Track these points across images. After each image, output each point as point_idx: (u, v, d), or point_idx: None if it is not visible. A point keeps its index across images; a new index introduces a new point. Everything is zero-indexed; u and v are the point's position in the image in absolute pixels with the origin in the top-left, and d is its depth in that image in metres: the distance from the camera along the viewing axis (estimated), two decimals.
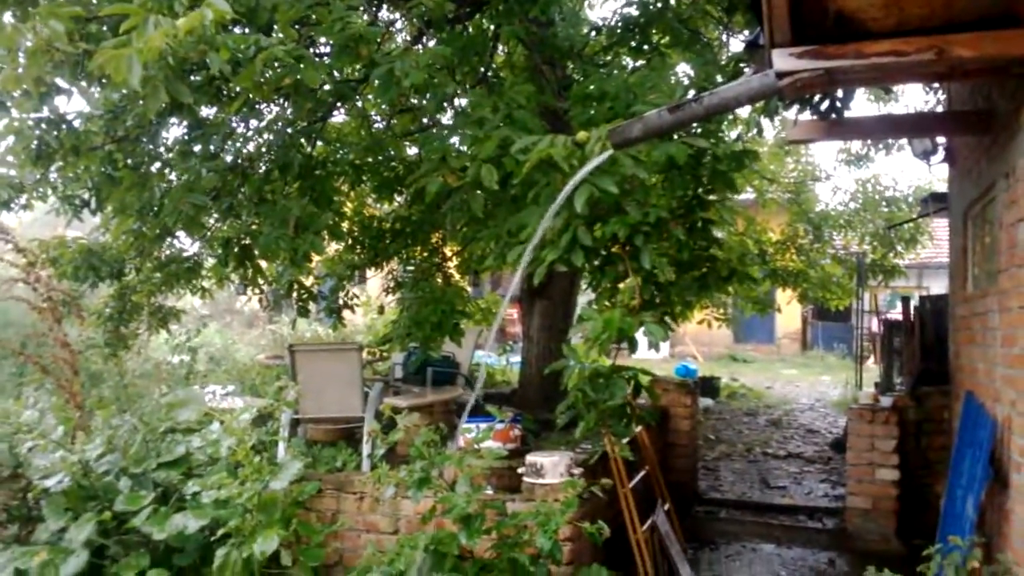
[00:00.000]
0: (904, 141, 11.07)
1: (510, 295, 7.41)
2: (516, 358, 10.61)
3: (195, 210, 5.68)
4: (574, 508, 4.18)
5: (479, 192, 5.25)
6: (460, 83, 6.39)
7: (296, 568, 4.71)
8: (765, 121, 6.96)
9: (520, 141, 4.38)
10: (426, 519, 4.38)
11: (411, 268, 8.60)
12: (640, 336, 4.37)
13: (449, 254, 8.91)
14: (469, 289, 11.09)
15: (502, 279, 17.18)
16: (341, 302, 8.60)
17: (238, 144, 6.43)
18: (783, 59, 3.24)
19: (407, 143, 7.99)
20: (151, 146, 6.13)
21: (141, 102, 4.55)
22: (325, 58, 5.67)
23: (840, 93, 4.85)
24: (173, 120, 5.81)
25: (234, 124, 6.30)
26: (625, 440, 5.02)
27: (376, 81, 4.85)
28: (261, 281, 7.39)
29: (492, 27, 6.75)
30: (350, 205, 8.93)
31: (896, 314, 11.43)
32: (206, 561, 4.73)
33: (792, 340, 22.73)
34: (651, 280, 4.54)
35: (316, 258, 7.72)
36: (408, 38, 7.38)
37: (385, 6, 6.68)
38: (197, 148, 5.97)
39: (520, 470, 4.86)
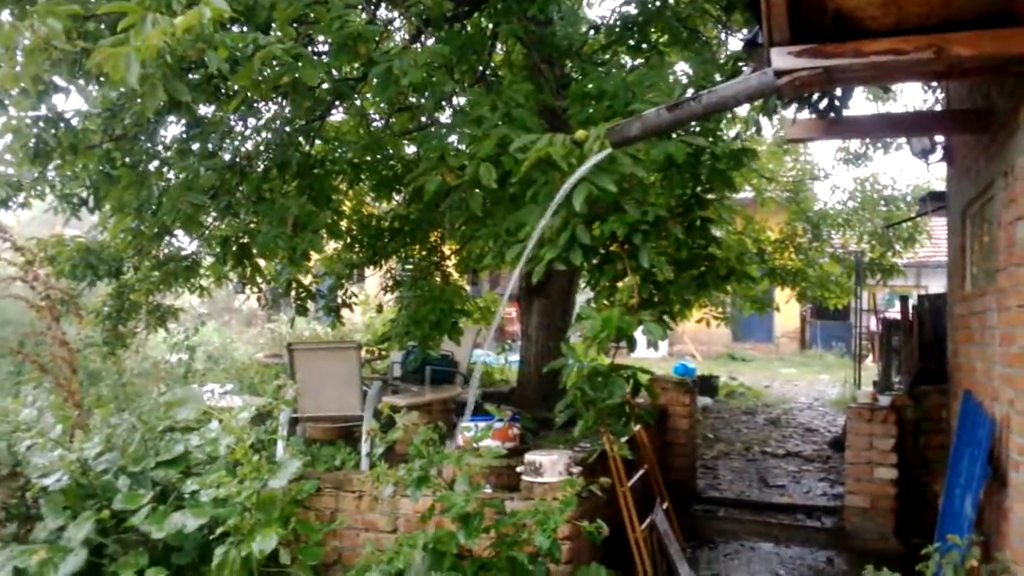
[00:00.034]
0: (903, 140, 11.09)
1: (509, 294, 7.39)
2: (515, 357, 10.61)
3: (193, 209, 5.67)
4: (573, 507, 4.18)
5: (478, 191, 5.25)
6: (458, 82, 6.38)
7: (295, 567, 4.70)
8: (764, 120, 6.95)
9: (519, 140, 4.38)
10: (425, 518, 4.38)
11: (410, 267, 8.59)
12: (639, 335, 4.37)
13: (448, 253, 8.90)
14: (468, 288, 11.10)
15: (501, 278, 17.19)
16: (340, 301, 8.59)
17: (236, 143, 6.42)
18: (782, 58, 3.24)
19: (406, 142, 7.99)
20: (149, 144, 6.12)
21: (139, 100, 4.53)
22: (323, 56, 5.67)
23: (839, 92, 4.84)
24: (171, 118, 5.79)
25: (232, 122, 6.29)
26: (624, 439, 5.02)
27: (374, 80, 4.84)
28: (259, 280, 7.38)
29: (490, 26, 6.74)
30: (348, 204, 8.92)
31: (894, 313, 11.43)
32: (205, 560, 4.73)
33: (791, 339, 22.75)
34: (650, 279, 4.54)
35: (314, 257, 7.72)
36: (406, 36, 7.37)
37: (383, 4, 6.68)
38: (195, 146, 5.96)
39: (519, 469, 4.86)
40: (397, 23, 7.32)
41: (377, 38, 5.31)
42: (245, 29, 4.81)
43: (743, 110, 7.63)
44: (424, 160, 5.45)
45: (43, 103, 5.04)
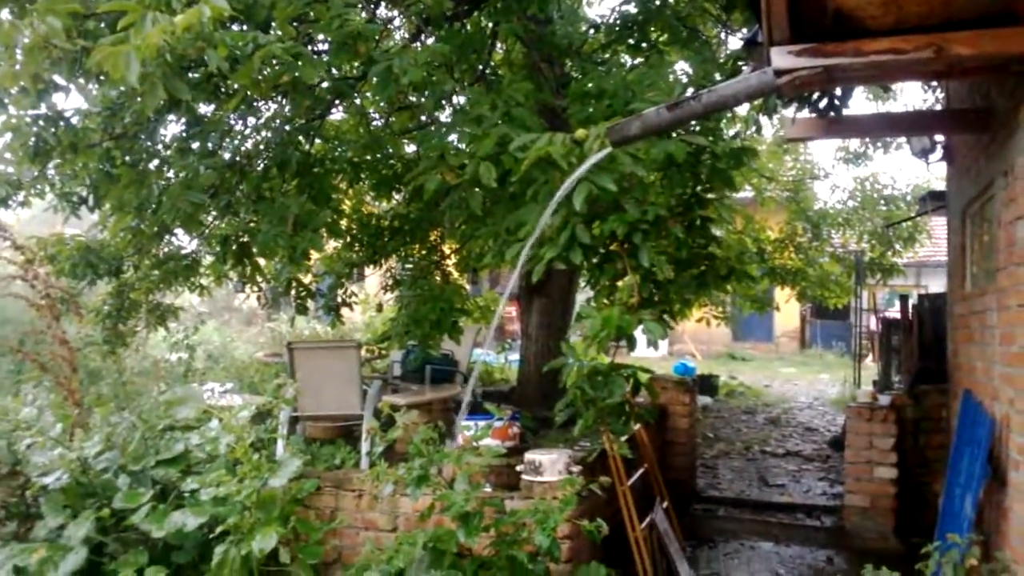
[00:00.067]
0: (903, 139, 11.09)
1: (508, 293, 7.40)
2: (515, 356, 10.61)
3: (193, 207, 5.67)
4: (572, 506, 4.18)
5: (477, 190, 5.25)
6: (458, 81, 6.38)
7: (295, 566, 4.71)
8: (764, 119, 6.96)
9: (518, 139, 4.38)
10: (425, 517, 4.38)
11: (409, 266, 8.58)
12: (639, 334, 4.37)
13: (448, 252, 8.90)
14: (468, 287, 11.10)
15: (501, 277, 17.20)
16: (339, 300, 8.59)
17: (236, 141, 6.42)
18: (782, 57, 3.24)
19: (405, 141, 7.98)
20: (149, 143, 6.11)
21: (139, 99, 4.53)
22: (323, 55, 5.66)
23: (839, 91, 4.84)
24: (171, 117, 5.79)
25: (232, 121, 6.29)
26: (624, 438, 5.02)
27: (374, 78, 4.84)
28: (259, 279, 7.38)
29: (490, 25, 6.74)
30: (348, 203, 8.91)
31: (894, 312, 11.43)
32: (205, 558, 4.73)
33: (791, 338, 22.75)
34: (650, 278, 4.54)
35: (314, 256, 7.72)
36: (406, 35, 7.37)
37: (383, 3, 6.67)
38: (195, 145, 5.96)
39: (519, 468, 4.86)
40: (397, 22, 7.31)
41: (377, 37, 5.31)
42: (245, 28, 4.80)
43: (743, 109, 7.63)
44: (424, 159, 5.45)
45: (43, 101, 5.03)
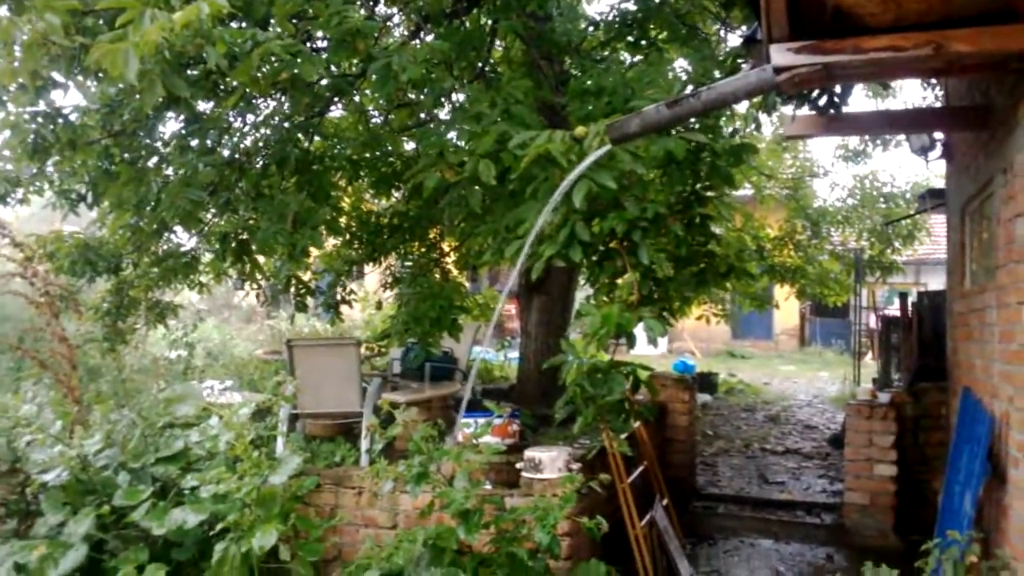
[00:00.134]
0: (902, 137, 11.08)
1: (508, 290, 7.42)
2: (514, 354, 10.61)
3: (192, 205, 5.66)
4: (572, 503, 4.18)
5: (477, 187, 5.25)
6: (458, 78, 6.37)
7: (295, 563, 4.71)
8: (763, 117, 6.95)
9: (518, 136, 4.38)
10: (425, 514, 4.38)
11: (409, 263, 8.58)
12: (638, 331, 4.37)
13: (447, 249, 8.90)
14: (467, 284, 11.09)
15: (500, 274, 17.19)
16: (339, 297, 8.59)
17: (235, 139, 6.41)
18: (781, 54, 3.23)
19: (405, 138, 7.98)
20: (148, 140, 6.11)
21: (138, 96, 4.52)
22: (322, 52, 5.66)
23: (838, 88, 4.84)
24: (170, 114, 5.79)
25: (231, 119, 6.29)
26: (623, 435, 5.03)
27: (374, 76, 4.84)
28: (259, 276, 7.38)
29: (490, 22, 6.73)
30: (348, 200, 8.91)
31: (894, 310, 11.45)
32: (205, 556, 4.73)
33: (790, 336, 22.75)
34: (649, 276, 4.54)
35: (314, 253, 7.71)
36: (405, 32, 7.36)
37: (382, 0, 6.67)
38: (194, 143, 5.95)
39: (518, 465, 4.87)
40: (396, 19, 7.31)
41: (376, 34, 5.30)
42: (244, 25, 4.80)
43: (742, 107, 7.62)
44: (423, 156, 5.45)
45: (41, 99, 5.03)
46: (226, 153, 6.25)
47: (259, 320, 16.46)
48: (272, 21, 4.72)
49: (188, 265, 7.47)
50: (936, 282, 15.01)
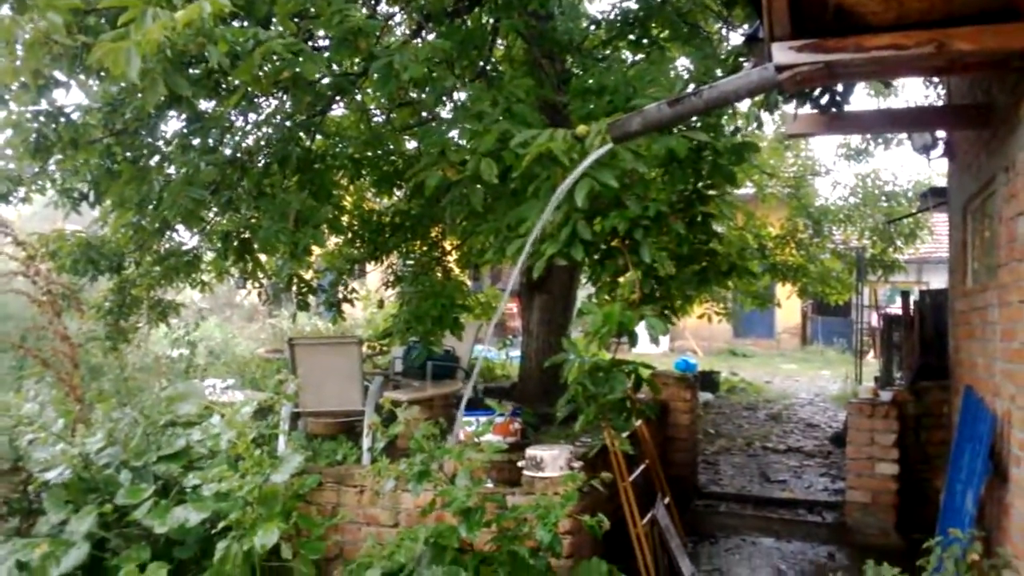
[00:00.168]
0: (904, 136, 11.07)
1: (510, 289, 7.41)
2: (516, 352, 10.61)
3: (194, 204, 5.67)
4: (574, 501, 4.18)
5: (478, 186, 5.24)
6: (459, 77, 6.37)
7: (296, 561, 4.71)
8: (765, 115, 6.94)
9: (519, 135, 4.38)
10: (426, 512, 4.39)
11: (411, 262, 8.59)
12: (640, 330, 4.37)
13: (449, 248, 8.90)
14: (469, 283, 11.09)
15: (502, 273, 17.18)
16: (341, 296, 8.59)
17: (237, 137, 6.42)
18: (783, 52, 3.23)
19: (406, 137, 7.98)
20: (150, 139, 6.12)
21: (140, 95, 4.53)
22: (324, 51, 5.66)
23: (840, 87, 4.83)
24: (172, 113, 5.80)
25: (233, 117, 6.29)
26: (625, 434, 5.02)
27: (375, 74, 4.84)
28: (261, 275, 7.39)
29: (491, 21, 6.73)
30: (349, 199, 8.92)
31: (896, 309, 11.44)
32: (207, 554, 4.74)
33: (792, 335, 22.75)
34: (651, 274, 4.54)
35: (316, 252, 7.71)
36: (407, 31, 7.37)
37: None
38: (196, 141, 5.96)
39: (520, 463, 4.87)
40: (398, 18, 7.31)
41: (378, 33, 5.30)
42: (245, 24, 4.81)
43: (744, 105, 7.62)
44: (425, 155, 5.45)
45: (43, 98, 5.04)
46: (228, 152, 6.26)
47: (261, 319, 16.46)
48: (274, 20, 4.72)
49: (190, 264, 7.48)
50: (938, 280, 15.01)
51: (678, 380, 7.69)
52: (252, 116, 6.45)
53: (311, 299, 7.73)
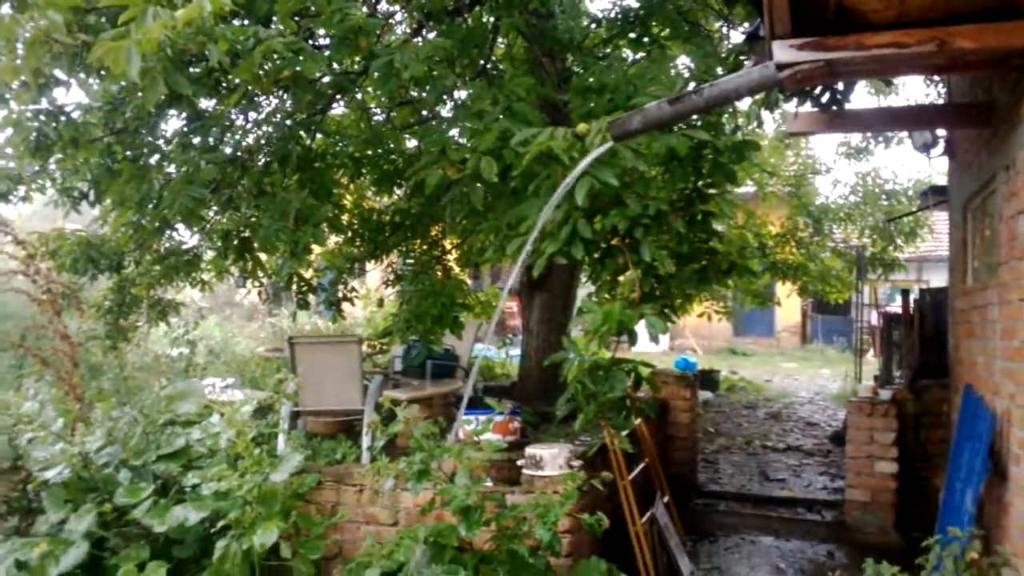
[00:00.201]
0: (904, 134, 11.06)
1: (509, 288, 7.42)
2: (516, 351, 10.61)
3: (194, 202, 5.67)
4: (573, 500, 4.18)
5: (479, 185, 5.24)
6: (460, 75, 6.37)
7: (296, 560, 4.71)
8: (765, 114, 6.93)
9: (520, 133, 4.38)
10: (425, 511, 4.39)
11: (411, 261, 8.59)
12: (640, 329, 4.36)
13: (449, 247, 8.90)
14: (469, 282, 11.09)
15: (502, 272, 17.18)
16: (341, 295, 8.59)
17: (237, 136, 6.41)
18: (783, 51, 3.23)
19: (407, 136, 7.98)
20: (150, 138, 6.12)
21: (140, 94, 4.53)
22: (324, 50, 5.66)
23: (840, 85, 4.83)
24: (172, 112, 5.80)
25: (233, 116, 6.29)
26: (624, 432, 5.01)
27: (375, 73, 4.84)
28: (261, 274, 7.38)
29: (492, 19, 6.73)
30: (349, 198, 8.92)
31: (896, 307, 11.43)
32: (206, 553, 4.74)
33: (792, 333, 22.74)
34: (651, 273, 4.53)
35: (316, 251, 7.71)
36: (408, 30, 7.37)
37: None
38: (196, 140, 5.96)
39: (519, 462, 4.87)
40: (398, 16, 7.31)
41: (378, 32, 5.31)
42: (246, 22, 4.81)
43: (744, 104, 7.61)
44: (425, 154, 5.44)
45: (44, 96, 5.05)
46: (228, 151, 6.25)
47: (261, 318, 16.46)
48: (274, 19, 4.72)
49: (190, 263, 7.48)
50: (938, 279, 15.00)
51: (678, 379, 7.69)
52: (252, 115, 6.45)
53: (311, 298, 7.73)
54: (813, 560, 6.02)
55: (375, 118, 8.13)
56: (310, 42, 5.36)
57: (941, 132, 6.48)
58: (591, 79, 5.19)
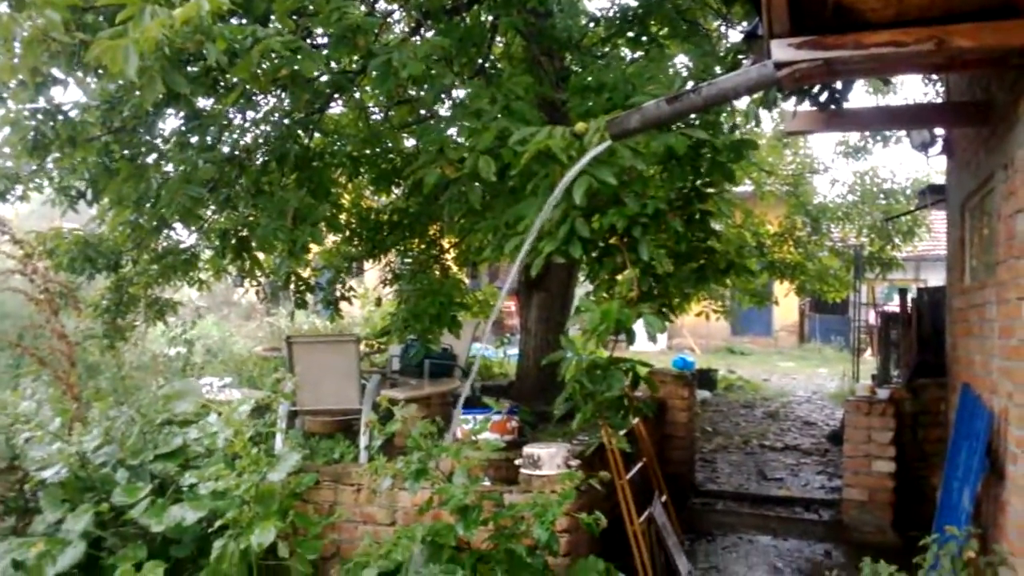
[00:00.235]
0: (902, 133, 11.08)
1: (508, 287, 7.41)
2: (513, 350, 10.61)
3: (192, 201, 5.66)
4: (571, 499, 4.18)
5: (477, 184, 5.24)
6: (458, 74, 6.36)
7: (293, 559, 4.71)
8: (763, 113, 6.93)
9: (518, 132, 4.37)
10: (423, 510, 4.39)
11: (409, 260, 8.59)
12: (638, 328, 4.36)
13: (447, 246, 8.90)
14: (467, 281, 11.09)
15: (500, 271, 17.18)
16: (338, 294, 8.58)
17: (235, 135, 6.40)
18: (782, 49, 3.23)
19: (405, 135, 7.97)
20: (148, 137, 6.10)
21: (138, 93, 4.52)
22: (322, 49, 5.65)
23: (839, 84, 4.83)
24: (170, 111, 5.78)
25: (231, 115, 6.28)
26: (622, 432, 5.02)
27: (374, 72, 4.83)
28: (258, 273, 7.38)
29: (490, 18, 6.72)
30: (348, 197, 8.91)
31: (893, 306, 11.43)
32: (203, 552, 4.74)
33: (789, 332, 22.74)
34: (649, 272, 4.53)
35: (313, 250, 7.71)
36: (406, 29, 7.36)
37: None
38: (194, 139, 5.95)
39: (517, 462, 4.87)
40: (396, 15, 7.30)
41: (376, 30, 5.29)
42: (244, 21, 4.80)
43: (743, 103, 7.61)
44: (423, 153, 5.44)
45: (41, 95, 5.03)
46: (226, 150, 6.24)
47: (258, 317, 16.44)
48: (272, 17, 4.71)
49: (188, 262, 7.46)
50: (936, 278, 14.99)
51: (676, 378, 7.69)
52: (250, 114, 6.44)
53: (309, 297, 7.72)
54: (810, 559, 6.02)
55: (373, 117, 8.12)
56: (308, 41, 5.35)
57: (939, 131, 6.48)
58: (589, 78, 5.19)
